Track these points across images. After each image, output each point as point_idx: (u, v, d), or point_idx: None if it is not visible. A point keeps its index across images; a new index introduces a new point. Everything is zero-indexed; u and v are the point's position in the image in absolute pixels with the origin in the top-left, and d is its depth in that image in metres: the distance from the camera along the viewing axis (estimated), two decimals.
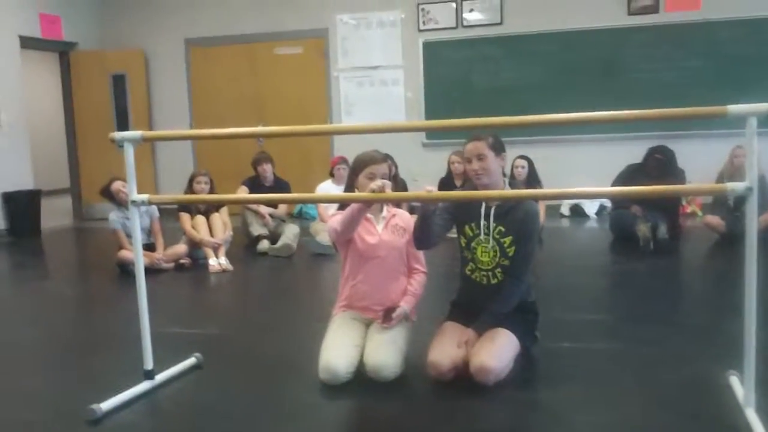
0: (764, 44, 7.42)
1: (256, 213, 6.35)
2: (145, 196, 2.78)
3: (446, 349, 2.84)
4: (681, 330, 3.54)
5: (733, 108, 2.17)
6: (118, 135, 2.73)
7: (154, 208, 5.64)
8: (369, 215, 3.04)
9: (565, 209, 7.77)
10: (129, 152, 2.74)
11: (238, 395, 2.87)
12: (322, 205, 6.25)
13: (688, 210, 7.28)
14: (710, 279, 5.02)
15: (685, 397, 2.64)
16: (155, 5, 8.99)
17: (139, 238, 2.88)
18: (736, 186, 2.24)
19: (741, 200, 4.90)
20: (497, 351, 2.81)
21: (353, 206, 2.84)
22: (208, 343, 3.52)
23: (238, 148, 8.28)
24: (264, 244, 6.11)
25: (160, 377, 2.95)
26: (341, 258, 3.15)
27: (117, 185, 5.40)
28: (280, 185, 6.49)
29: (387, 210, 3.13)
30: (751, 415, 2.31)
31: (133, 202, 2.77)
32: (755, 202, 2.22)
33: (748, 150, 2.21)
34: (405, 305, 3.04)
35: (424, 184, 2.77)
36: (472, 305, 3.02)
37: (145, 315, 2.86)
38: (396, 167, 6.86)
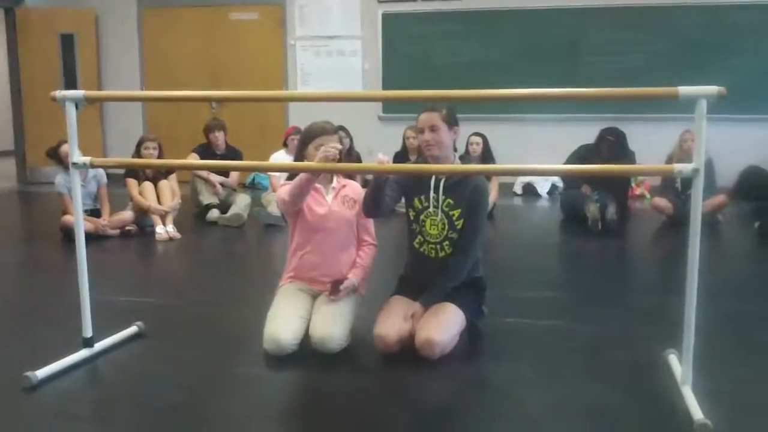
0: (722, 30, 7.55)
1: (207, 181, 6.23)
2: (86, 159, 2.69)
3: (393, 322, 2.83)
4: (626, 309, 3.60)
5: (685, 90, 2.18)
6: (59, 94, 2.63)
7: (103, 173, 5.50)
8: (318, 185, 2.99)
9: (517, 188, 7.82)
10: (71, 112, 2.64)
11: (180, 365, 2.82)
12: (275, 175, 6.16)
13: (637, 192, 7.41)
14: (656, 260, 5.12)
15: (626, 375, 2.68)
16: None
17: (79, 202, 2.79)
18: (683, 167, 2.26)
19: (688, 183, 4.98)
20: (443, 325, 2.81)
21: (302, 176, 2.80)
22: (151, 312, 3.45)
23: (190, 114, 8.11)
24: (214, 213, 6.01)
25: (100, 345, 2.88)
26: (290, 228, 3.10)
27: (66, 147, 5.22)
28: (232, 154, 6.36)
29: (337, 180, 3.09)
30: (688, 393, 2.36)
31: (74, 164, 2.68)
32: (701, 183, 2.24)
33: (697, 132, 2.23)
34: (353, 278, 3.02)
35: (380, 153, 2.72)
36: (420, 279, 3.02)
37: (84, 281, 2.78)
38: (351, 140, 6.83)
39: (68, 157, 5.06)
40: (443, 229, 2.95)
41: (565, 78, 7.54)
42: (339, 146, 2.68)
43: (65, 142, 5.23)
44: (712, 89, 2.15)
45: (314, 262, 3.03)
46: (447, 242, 2.96)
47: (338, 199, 3.04)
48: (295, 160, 3.09)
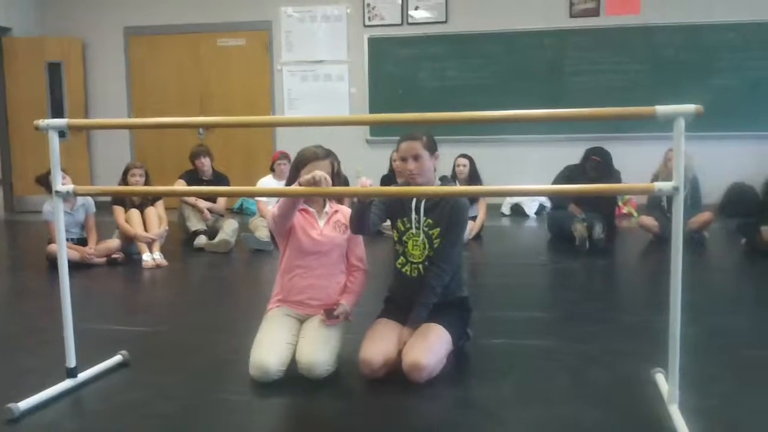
0: (701, 49, 7.65)
1: (194, 207, 6.23)
2: (70, 187, 2.69)
3: (378, 346, 2.82)
4: (613, 328, 3.59)
5: (662, 108, 2.19)
6: (43, 123, 2.63)
7: (91, 202, 5.49)
8: (311, 210, 3.02)
9: (505, 208, 7.85)
10: (53, 140, 2.64)
11: (164, 393, 2.79)
12: (262, 201, 6.16)
13: (624, 211, 7.44)
14: (643, 278, 5.12)
15: (613, 394, 2.68)
16: None
17: (62, 230, 2.77)
18: (663, 185, 2.27)
19: None
20: (430, 348, 2.80)
21: None
22: (137, 340, 3.43)
23: (178, 141, 8.12)
24: (201, 240, 5.99)
25: (84, 375, 2.85)
26: (280, 251, 3.10)
27: None
28: (219, 179, 6.37)
29: (330, 206, 3.10)
30: (675, 412, 2.35)
31: (57, 192, 2.67)
32: (681, 201, 2.25)
33: (676, 150, 2.24)
34: (346, 303, 3.00)
35: (363, 177, 2.74)
36: (404, 299, 3.02)
37: (68, 310, 2.76)
38: (339, 163, 6.83)
39: None
40: (424, 249, 2.97)
41: (550, 98, 7.66)
42: (326, 175, 2.67)
43: None
44: (690, 108, 2.17)
45: (303, 286, 3.02)
46: (428, 262, 2.98)
47: (330, 224, 3.06)
48: (287, 185, 3.10)
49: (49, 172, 5.20)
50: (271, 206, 3.18)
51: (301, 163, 2.98)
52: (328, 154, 3.03)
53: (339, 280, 3.08)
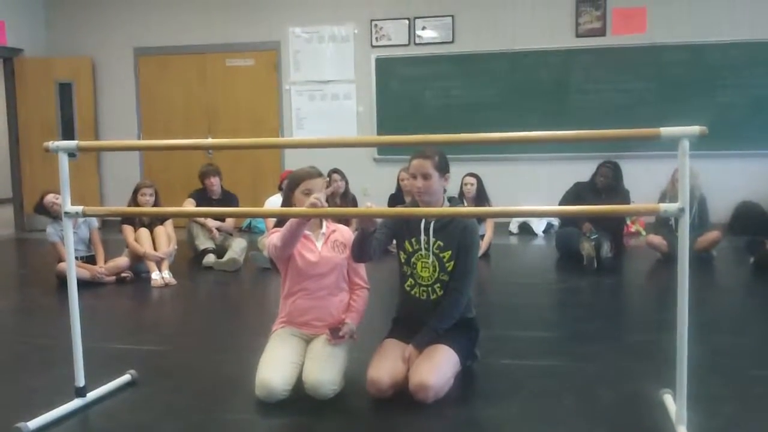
0: (706, 68, 7.65)
1: (203, 226, 6.26)
2: (79, 208, 2.71)
3: (386, 366, 2.82)
4: (621, 347, 3.59)
5: (666, 130, 2.21)
6: (53, 144, 2.66)
7: (93, 218, 5.51)
8: (308, 232, 3.01)
9: (513, 227, 7.85)
10: (63, 162, 2.67)
11: (171, 412, 2.80)
12: (271, 220, 6.18)
13: (632, 229, 7.42)
14: (651, 297, 5.11)
15: (621, 415, 2.67)
16: (104, 12, 8.82)
17: (71, 251, 2.80)
18: (669, 207, 2.28)
19: None
20: (437, 368, 2.80)
21: (292, 221, 2.81)
22: (145, 359, 3.45)
23: (186, 159, 8.18)
24: (210, 258, 6.01)
25: (93, 394, 2.87)
26: (281, 276, 3.11)
27: (49, 198, 5.27)
28: (228, 198, 6.41)
29: (326, 226, 3.11)
30: None
31: (67, 213, 2.70)
32: (687, 222, 2.26)
33: (681, 171, 2.26)
34: (350, 322, 3.01)
35: (367, 200, 2.75)
36: (412, 321, 3.01)
37: (77, 329, 2.78)
38: (347, 182, 6.87)
39: (53, 207, 5.13)
40: (434, 271, 2.96)
41: (556, 117, 7.68)
42: (323, 197, 2.69)
43: (48, 192, 5.30)
44: (694, 129, 2.18)
45: (306, 307, 3.03)
46: (438, 285, 2.97)
47: (328, 245, 3.06)
48: (282, 207, 3.11)
49: (42, 198, 5.28)
50: (273, 226, 3.18)
51: (294, 183, 2.99)
52: (321, 173, 3.05)
53: (341, 298, 3.09)
